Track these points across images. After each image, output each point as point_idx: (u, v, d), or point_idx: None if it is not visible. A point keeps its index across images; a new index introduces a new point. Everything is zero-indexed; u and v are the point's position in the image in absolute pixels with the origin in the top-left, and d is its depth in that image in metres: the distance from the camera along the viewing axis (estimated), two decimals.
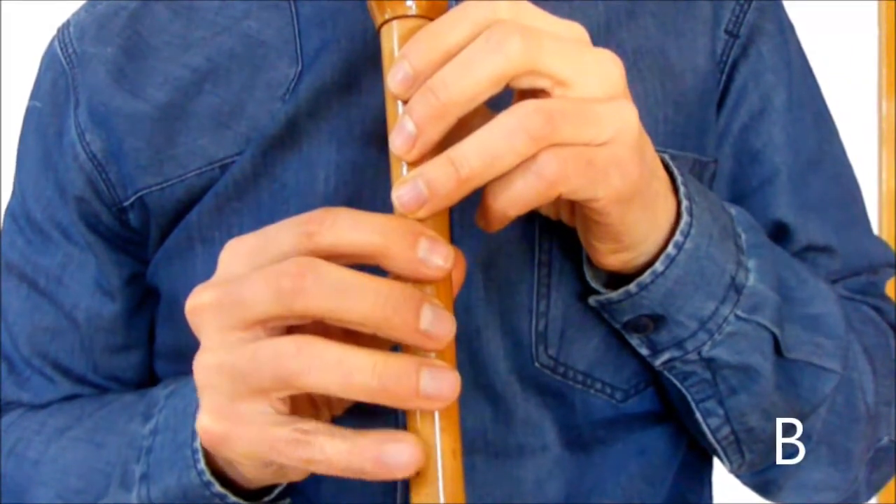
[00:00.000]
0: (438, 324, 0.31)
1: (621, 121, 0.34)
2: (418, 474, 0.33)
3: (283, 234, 0.33)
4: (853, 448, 0.48)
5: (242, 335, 0.32)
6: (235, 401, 0.32)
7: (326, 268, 0.31)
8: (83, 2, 0.54)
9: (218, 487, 0.40)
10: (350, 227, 0.32)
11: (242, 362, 0.32)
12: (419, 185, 0.32)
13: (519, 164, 0.32)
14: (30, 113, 0.54)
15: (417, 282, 0.33)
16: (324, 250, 0.32)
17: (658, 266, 0.40)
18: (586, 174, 0.33)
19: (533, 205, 0.33)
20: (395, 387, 0.30)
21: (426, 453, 0.32)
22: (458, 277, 0.35)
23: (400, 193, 0.33)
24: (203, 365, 0.33)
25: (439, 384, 0.31)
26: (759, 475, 0.49)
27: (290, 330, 0.33)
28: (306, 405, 0.38)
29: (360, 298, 0.31)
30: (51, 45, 0.53)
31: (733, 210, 0.44)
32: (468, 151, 0.32)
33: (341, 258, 0.32)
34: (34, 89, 0.54)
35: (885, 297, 0.54)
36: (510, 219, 0.34)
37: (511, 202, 0.33)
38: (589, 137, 0.33)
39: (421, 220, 0.33)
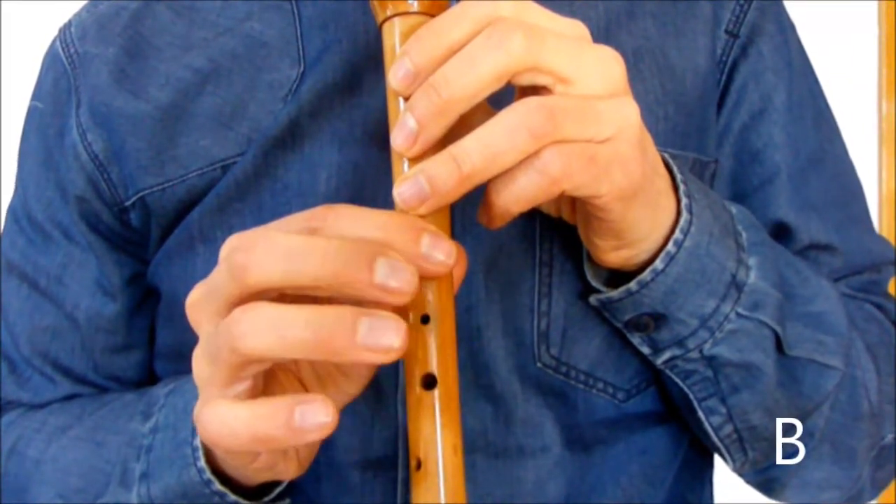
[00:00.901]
0: (396, 275, 0.30)
1: (623, 118, 0.34)
2: (419, 469, 0.33)
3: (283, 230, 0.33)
4: (856, 446, 0.48)
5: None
6: (221, 388, 0.32)
7: (276, 235, 0.31)
8: (84, 1, 0.54)
9: (217, 485, 0.40)
10: (352, 224, 0.32)
11: (212, 344, 0.32)
12: (421, 181, 0.32)
13: (522, 161, 0.32)
14: (31, 113, 0.54)
15: (420, 278, 0.32)
16: None
17: (658, 264, 0.40)
18: (589, 171, 0.33)
19: (536, 202, 0.33)
20: (331, 338, 0.29)
21: (426, 449, 0.32)
22: (459, 274, 0.35)
23: (401, 190, 0.33)
24: (195, 357, 0.34)
25: (379, 333, 0.29)
26: (763, 474, 0.49)
27: None
28: (297, 390, 0.37)
29: (307, 259, 0.30)
30: (52, 45, 0.53)
31: (734, 208, 0.44)
32: (470, 148, 0.32)
33: None
34: (35, 89, 0.54)
35: (887, 296, 0.54)
36: (513, 216, 0.34)
37: (514, 199, 0.33)
38: (591, 134, 0.33)
39: (422, 217, 0.33)
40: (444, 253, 0.32)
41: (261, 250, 0.30)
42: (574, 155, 0.33)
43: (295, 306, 0.30)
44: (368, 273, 0.30)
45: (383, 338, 0.30)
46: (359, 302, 0.31)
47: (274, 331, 0.30)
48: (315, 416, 0.30)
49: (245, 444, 0.31)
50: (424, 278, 0.33)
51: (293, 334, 0.30)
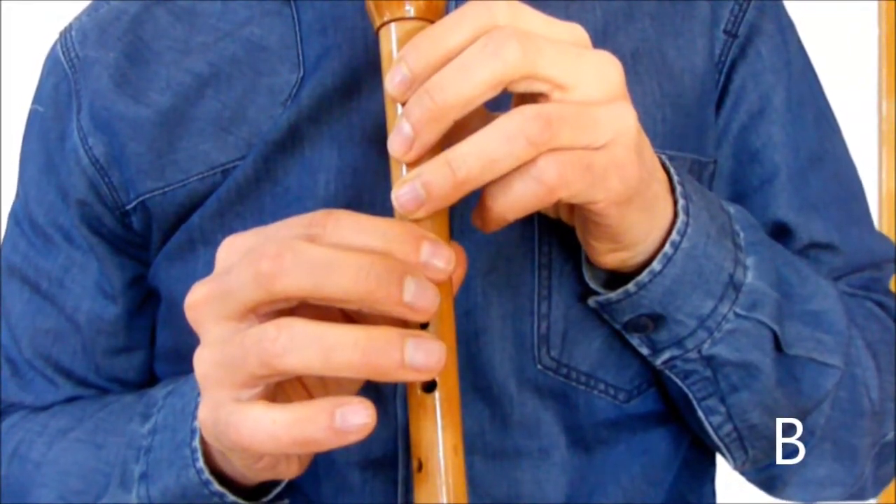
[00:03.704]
0: (422, 295, 0.31)
1: (620, 123, 0.34)
2: (420, 471, 0.33)
3: (283, 234, 0.33)
4: (858, 444, 0.48)
5: (238, 325, 0.32)
6: (233, 391, 0.32)
7: (305, 247, 0.31)
8: (86, 3, 0.54)
9: (216, 486, 0.40)
10: (353, 232, 0.32)
11: (233, 351, 0.32)
12: (417, 186, 0.32)
13: (517, 169, 0.33)
14: (32, 117, 0.54)
15: None
16: None
17: (656, 265, 0.40)
18: (585, 178, 0.33)
19: (532, 209, 0.34)
20: (380, 359, 0.30)
21: (428, 450, 0.32)
22: (458, 276, 0.35)
23: (399, 194, 0.33)
24: (201, 359, 0.34)
25: (425, 355, 0.31)
26: (764, 472, 0.49)
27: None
28: (302, 396, 0.38)
29: (341, 273, 0.30)
30: (53, 49, 0.53)
31: (732, 209, 0.44)
32: (466, 153, 0.32)
33: None
34: (36, 93, 0.54)
35: (888, 293, 0.54)
36: (508, 222, 0.35)
37: (510, 206, 0.33)
38: (588, 141, 0.33)
39: (419, 221, 0.33)
40: (443, 260, 0.32)
41: (290, 259, 0.30)
42: (570, 163, 0.33)
43: (339, 325, 0.31)
44: (399, 291, 0.31)
45: (430, 360, 0.31)
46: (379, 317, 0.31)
47: (319, 351, 0.30)
48: (355, 418, 0.30)
49: (284, 447, 0.31)
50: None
51: (342, 356, 0.30)
